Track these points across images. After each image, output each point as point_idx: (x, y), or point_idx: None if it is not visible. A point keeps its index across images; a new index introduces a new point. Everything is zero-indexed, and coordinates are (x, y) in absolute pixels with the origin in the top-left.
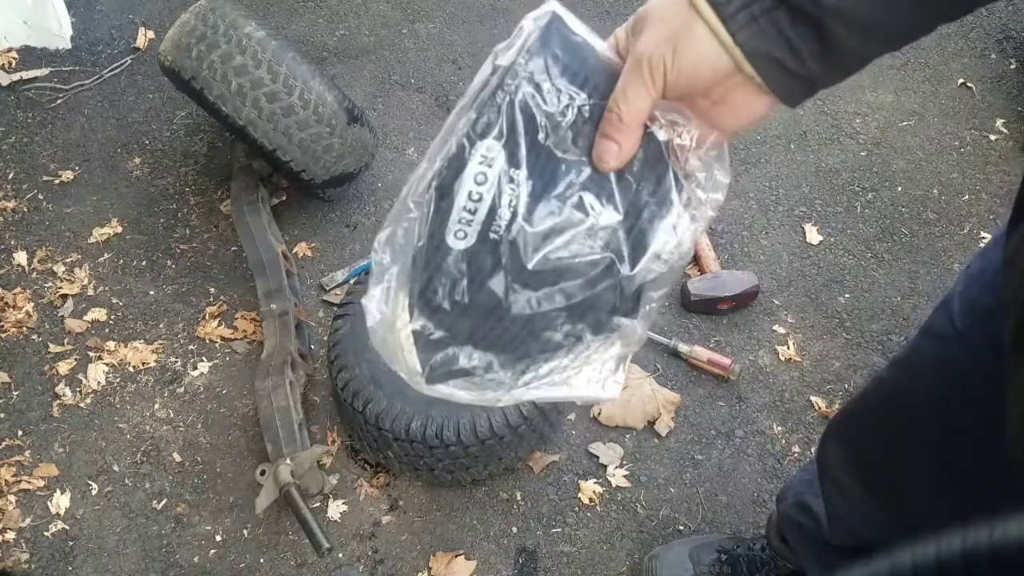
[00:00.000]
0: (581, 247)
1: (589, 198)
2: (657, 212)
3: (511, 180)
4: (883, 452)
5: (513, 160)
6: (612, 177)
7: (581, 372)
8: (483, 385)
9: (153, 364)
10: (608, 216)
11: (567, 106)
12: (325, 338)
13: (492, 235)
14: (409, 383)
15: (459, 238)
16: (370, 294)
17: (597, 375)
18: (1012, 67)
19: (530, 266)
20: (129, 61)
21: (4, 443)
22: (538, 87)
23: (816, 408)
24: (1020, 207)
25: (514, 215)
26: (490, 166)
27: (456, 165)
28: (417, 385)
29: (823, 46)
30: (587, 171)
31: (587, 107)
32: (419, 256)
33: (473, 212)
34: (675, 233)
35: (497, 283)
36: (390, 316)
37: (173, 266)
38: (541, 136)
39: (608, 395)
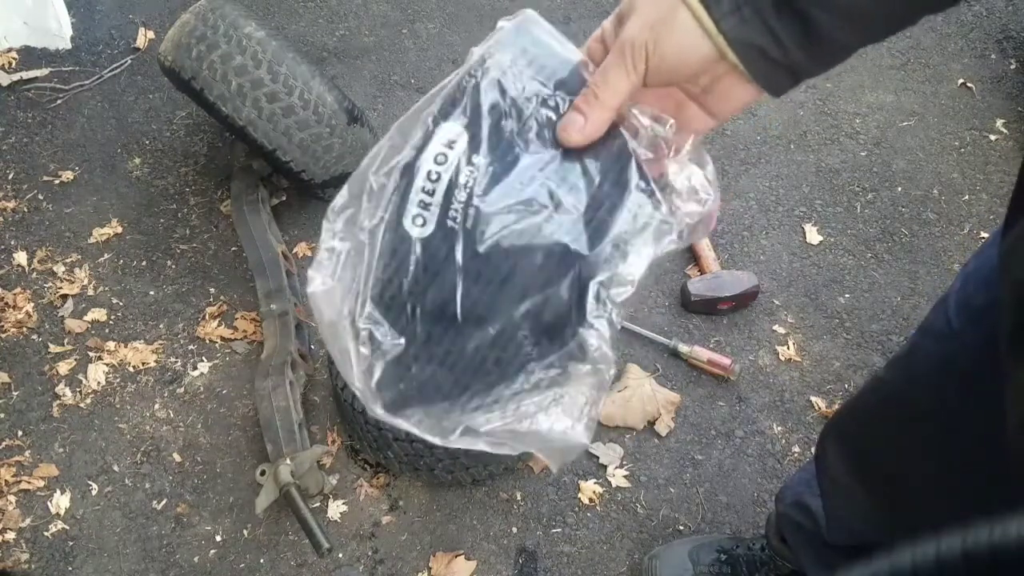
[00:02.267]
0: (537, 233)
1: (550, 186)
2: (618, 204)
3: (470, 162)
4: (882, 451)
5: (474, 143)
6: (576, 170)
7: (548, 413)
8: (438, 418)
9: (153, 364)
10: (567, 206)
11: (532, 96)
12: None
13: (450, 222)
14: (362, 401)
15: (417, 224)
16: (318, 261)
17: (565, 418)
18: (1012, 67)
19: (481, 248)
20: (129, 61)
21: (4, 443)
22: (504, 75)
23: (816, 408)
24: (1015, 206)
25: (470, 196)
26: (451, 148)
27: (419, 145)
28: (372, 410)
29: (807, 36)
30: (550, 162)
31: (552, 100)
32: (375, 239)
33: (431, 193)
34: (635, 222)
35: (450, 273)
36: (339, 300)
37: (173, 266)
38: (504, 123)
39: (576, 440)
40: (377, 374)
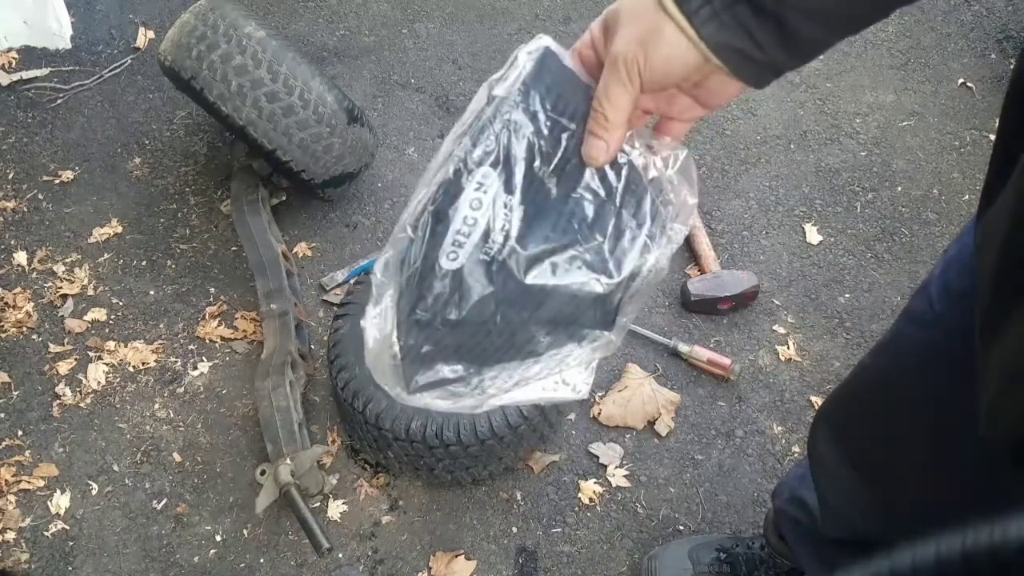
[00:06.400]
0: (569, 269)
1: (577, 222)
2: (637, 233)
3: (505, 206)
4: (870, 437)
5: (508, 187)
6: (599, 203)
7: (553, 375)
8: (459, 394)
9: (153, 364)
10: (595, 240)
11: (559, 136)
12: (325, 338)
13: (483, 256)
14: (393, 396)
15: (451, 259)
16: (368, 316)
17: (568, 377)
18: (1012, 67)
19: (525, 283)
20: (129, 61)
21: (4, 443)
22: (533, 118)
23: (816, 408)
24: (987, 193)
25: (506, 238)
26: (485, 192)
27: (453, 191)
28: (399, 396)
29: (784, 36)
30: (576, 197)
31: (575, 134)
32: (413, 277)
33: (467, 235)
34: (652, 252)
35: (487, 301)
36: (387, 335)
37: (173, 266)
38: (535, 165)
39: (579, 396)
40: (409, 373)
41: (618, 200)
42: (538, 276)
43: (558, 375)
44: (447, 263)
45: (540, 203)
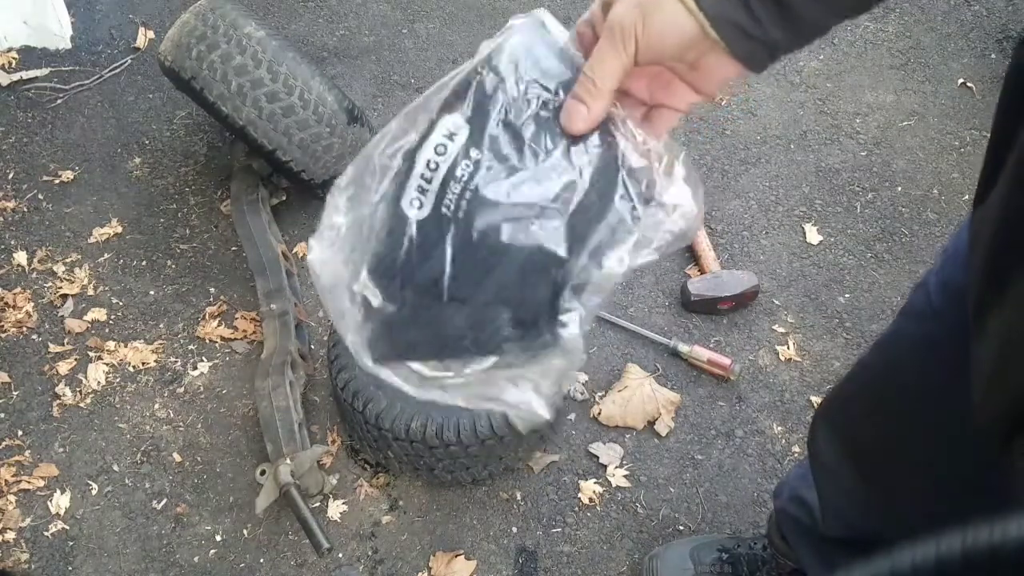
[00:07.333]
0: (522, 234)
1: (539, 190)
2: (599, 216)
3: (468, 156)
4: (871, 433)
5: (474, 139)
6: (566, 176)
7: (516, 385)
8: (419, 375)
9: (153, 364)
10: (553, 211)
11: (535, 98)
12: (325, 338)
13: (444, 209)
14: (353, 355)
15: (415, 207)
16: (319, 233)
17: (529, 392)
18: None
19: (471, 239)
20: (129, 61)
21: (4, 443)
22: (509, 75)
23: (816, 407)
24: (981, 190)
25: (464, 189)
26: (451, 140)
27: (423, 134)
28: (362, 361)
29: (782, 13)
30: (543, 166)
31: (552, 103)
32: (375, 216)
33: (429, 180)
34: (614, 235)
35: (439, 256)
36: (338, 267)
37: (173, 266)
38: (505, 123)
39: (538, 411)
40: (368, 332)
41: (588, 178)
42: (488, 233)
43: (522, 383)
44: (410, 210)
45: (504, 161)
